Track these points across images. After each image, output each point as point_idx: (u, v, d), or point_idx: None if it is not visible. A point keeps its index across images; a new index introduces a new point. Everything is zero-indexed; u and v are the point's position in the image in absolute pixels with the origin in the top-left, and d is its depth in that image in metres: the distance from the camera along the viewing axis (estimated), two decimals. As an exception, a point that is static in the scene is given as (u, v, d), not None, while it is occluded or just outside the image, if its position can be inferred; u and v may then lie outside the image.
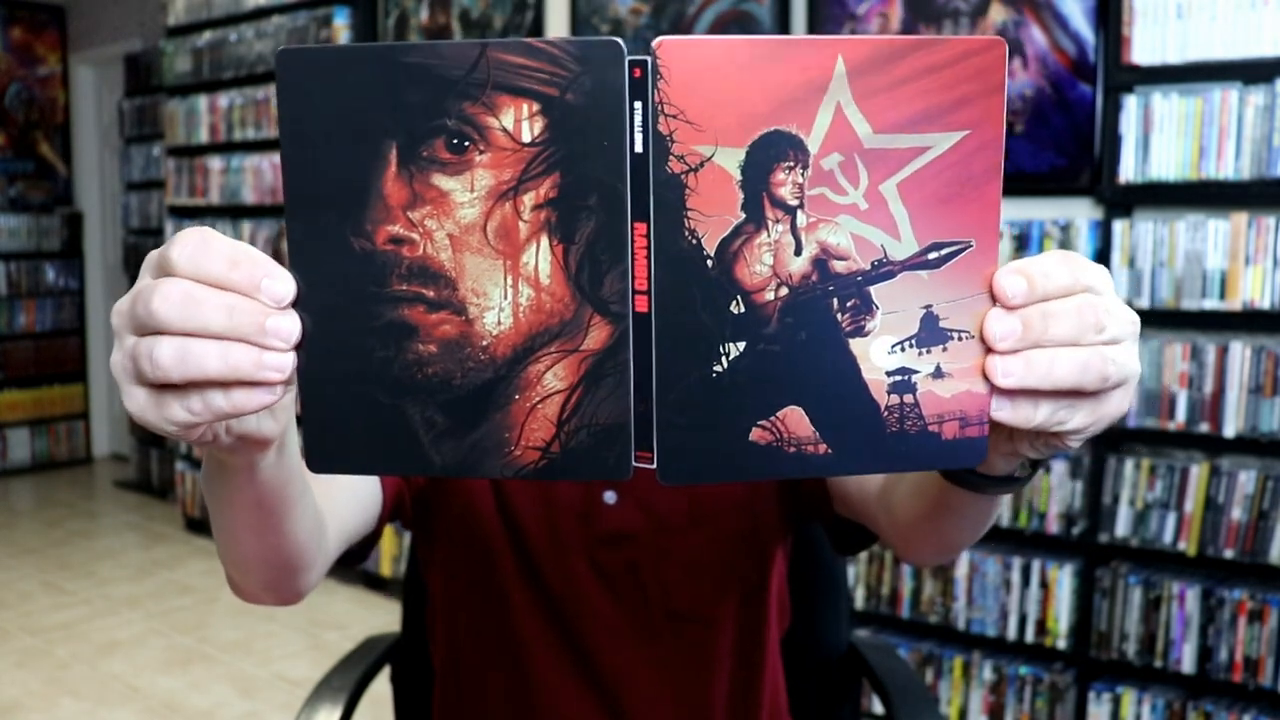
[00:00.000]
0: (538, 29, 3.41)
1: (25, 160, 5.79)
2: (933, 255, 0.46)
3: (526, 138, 0.44)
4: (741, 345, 0.46)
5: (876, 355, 0.47)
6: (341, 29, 3.81)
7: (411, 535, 1.12)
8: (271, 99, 4.06)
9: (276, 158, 4.04)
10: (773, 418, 0.47)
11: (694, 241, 0.45)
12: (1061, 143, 2.43)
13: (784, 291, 0.46)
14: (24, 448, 5.72)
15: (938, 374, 0.47)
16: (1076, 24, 2.40)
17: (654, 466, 0.47)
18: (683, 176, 0.44)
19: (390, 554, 3.75)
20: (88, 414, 5.98)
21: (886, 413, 0.47)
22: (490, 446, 0.46)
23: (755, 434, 0.47)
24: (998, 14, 2.50)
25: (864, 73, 0.44)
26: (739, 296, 0.46)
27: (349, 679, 1.25)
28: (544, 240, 0.44)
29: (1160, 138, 2.25)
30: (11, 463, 5.66)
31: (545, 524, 0.98)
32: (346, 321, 0.45)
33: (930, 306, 0.46)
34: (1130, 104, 2.28)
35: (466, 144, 0.44)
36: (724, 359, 0.46)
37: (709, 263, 0.45)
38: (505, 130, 0.44)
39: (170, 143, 4.54)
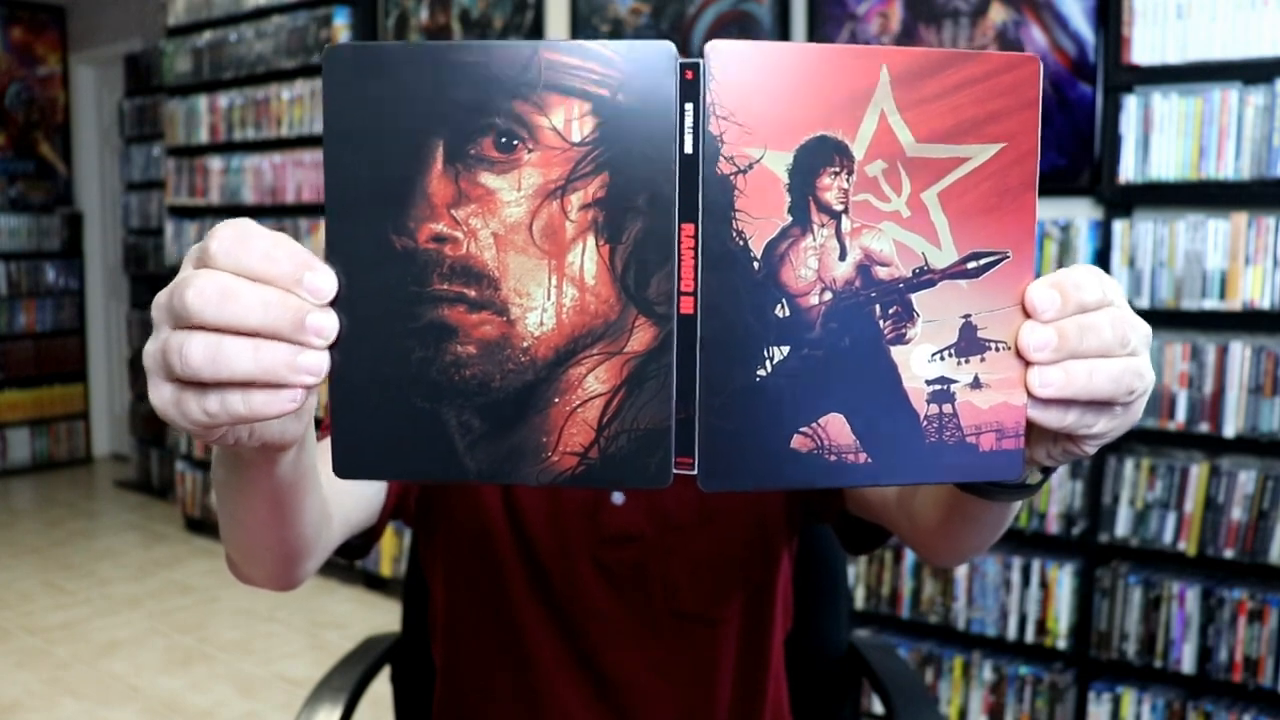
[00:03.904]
0: (537, 29, 3.41)
1: (25, 160, 5.79)
2: (972, 265, 0.46)
3: (576, 137, 0.44)
4: (785, 349, 0.46)
5: (916, 364, 0.47)
6: (341, 29, 3.81)
7: (414, 533, 1.12)
8: (271, 99, 4.06)
9: (276, 157, 4.05)
10: (814, 424, 0.46)
11: (741, 243, 0.45)
12: (1061, 143, 2.43)
13: (828, 296, 0.46)
14: (24, 448, 5.72)
15: (976, 384, 0.47)
16: (1076, 24, 2.40)
17: (694, 473, 0.46)
18: (732, 178, 0.44)
19: (390, 554, 3.75)
20: (88, 414, 5.98)
21: (925, 422, 0.47)
22: (527, 451, 0.45)
23: (797, 441, 0.46)
24: (998, 14, 2.50)
25: (907, 83, 0.45)
26: (784, 300, 0.46)
27: (349, 679, 1.25)
28: (590, 240, 0.44)
29: (1160, 138, 2.25)
30: (11, 463, 5.66)
31: (551, 524, 0.99)
32: (384, 321, 0.44)
33: (969, 316, 0.47)
34: (1130, 104, 2.28)
35: (515, 142, 0.44)
36: (768, 363, 0.46)
37: (755, 264, 0.45)
38: (555, 129, 0.43)
39: (170, 143, 4.54)
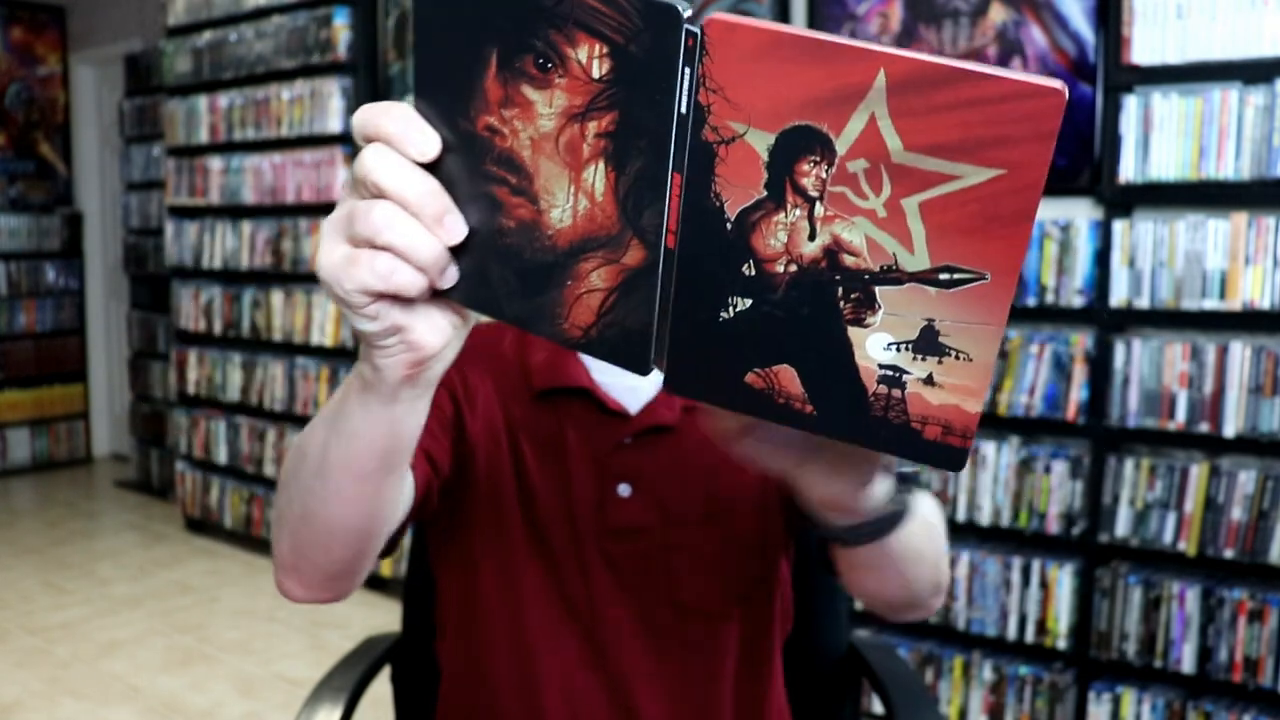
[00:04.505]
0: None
1: (25, 160, 5.79)
2: (944, 276, 0.45)
3: (596, 74, 0.48)
4: (749, 302, 0.49)
5: (872, 347, 0.47)
6: (341, 29, 3.81)
7: (423, 531, 1.12)
8: (271, 99, 4.06)
9: (276, 157, 4.05)
10: (768, 369, 0.50)
11: (717, 204, 0.47)
12: (1061, 143, 2.43)
13: (793, 268, 0.47)
14: (24, 448, 5.72)
15: (929, 381, 0.47)
16: (1076, 24, 2.40)
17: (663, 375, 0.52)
18: (714, 146, 0.46)
19: (390, 554, 3.75)
20: (88, 414, 5.98)
21: (873, 399, 0.48)
22: (546, 315, 0.53)
23: (750, 378, 0.50)
24: (998, 14, 2.50)
25: (904, 91, 0.43)
26: (751, 261, 0.48)
27: (349, 679, 1.25)
28: (601, 164, 0.49)
29: (1160, 138, 2.25)
30: (11, 463, 5.66)
31: (563, 514, 0.99)
32: (452, 187, 0.53)
33: (932, 321, 0.46)
34: (1130, 104, 2.28)
35: (549, 65, 0.49)
36: (732, 309, 0.49)
37: (728, 225, 0.48)
38: (580, 63, 0.48)
39: (170, 143, 4.54)
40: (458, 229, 0.52)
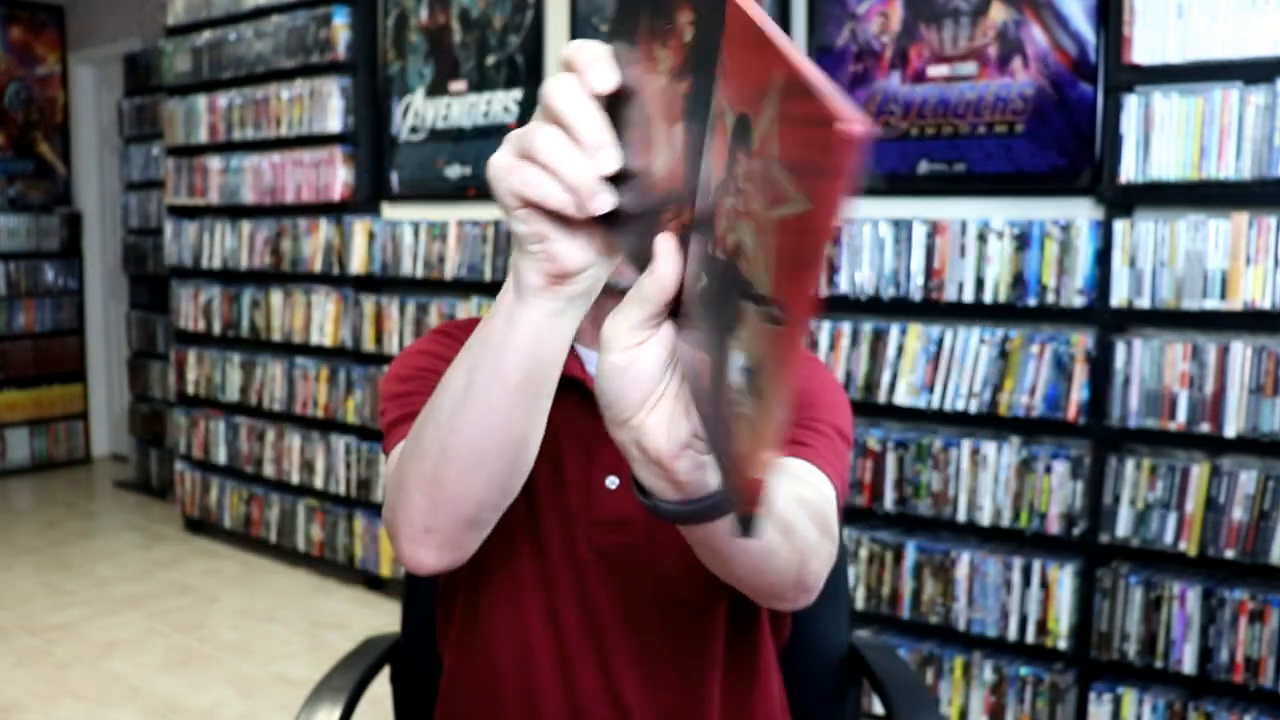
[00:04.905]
0: (537, 28, 3.41)
1: (25, 160, 5.79)
2: (771, 310, 0.41)
3: (686, 39, 0.51)
4: (706, 280, 0.49)
5: (733, 364, 0.44)
6: (341, 28, 3.81)
7: None
8: (270, 99, 4.06)
9: (276, 157, 4.04)
10: (702, 354, 0.50)
11: (709, 172, 0.49)
12: (1062, 142, 2.42)
13: (723, 258, 0.47)
14: (24, 448, 5.72)
15: (749, 423, 0.43)
16: (1077, 23, 2.40)
17: None
18: (714, 116, 0.48)
19: (389, 554, 3.75)
20: (87, 414, 5.98)
21: (725, 418, 0.45)
22: (645, 258, 0.56)
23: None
24: (998, 13, 2.50)
25: (788, 96, 0.39)
26: (712, 240, 0.48)
27: (349, 679, 1.25)
28: (681, 125, 0.52)
29: (1161, 137, 2.25)
30: (11, 463, 5.66)
31: (556, 505, 1.01)
32: (621, 126, 0.58)
33: (760, 356, 0.42)
34: (1131, 104, 2.28)
35: (668, 28, 0.53)
36: (700, 283, 0.50)
37: (709, 199, 0.49)
38: (681, 28, 0.52)
39: (170, 143, 4.54)
40: (609, 160, 0.57)
